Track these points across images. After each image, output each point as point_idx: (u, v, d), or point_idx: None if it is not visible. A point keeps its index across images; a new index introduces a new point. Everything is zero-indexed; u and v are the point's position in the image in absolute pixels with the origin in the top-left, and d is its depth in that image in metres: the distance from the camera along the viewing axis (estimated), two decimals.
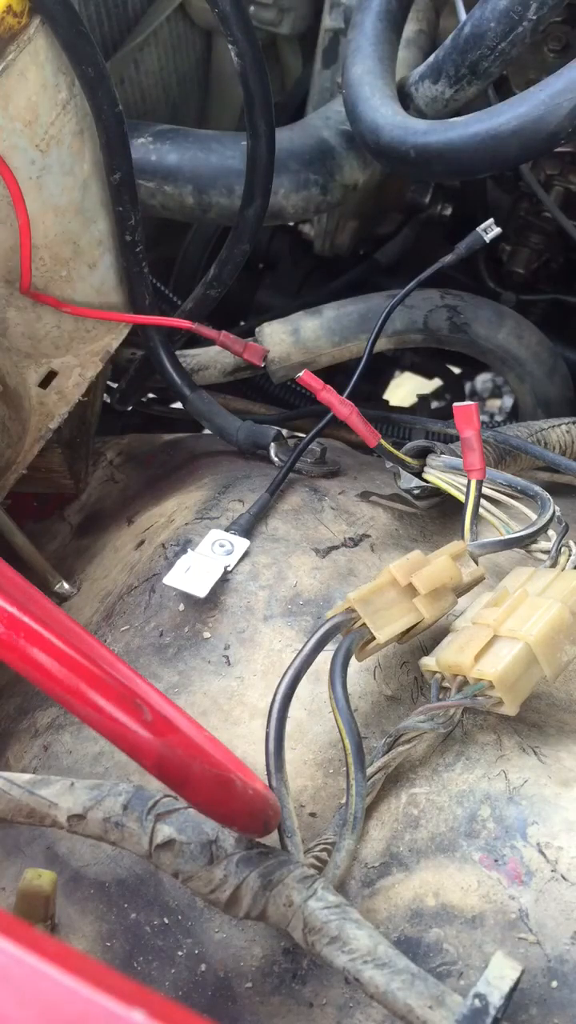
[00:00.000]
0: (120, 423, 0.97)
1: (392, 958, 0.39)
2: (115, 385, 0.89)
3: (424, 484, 0.62)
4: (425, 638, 0.52)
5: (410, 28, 0.86)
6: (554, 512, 0.56)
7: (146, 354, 0.81)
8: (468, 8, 0.71)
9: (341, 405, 0.57)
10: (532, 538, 0.55)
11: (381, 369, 1.24)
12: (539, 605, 0.49)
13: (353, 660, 0.48)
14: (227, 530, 0.61)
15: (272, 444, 0.70)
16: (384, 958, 0.39)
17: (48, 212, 0.64)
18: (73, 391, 0.69)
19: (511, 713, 0.47)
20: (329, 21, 0.93)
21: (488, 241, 0.69)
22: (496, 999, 0.37)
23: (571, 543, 0.56)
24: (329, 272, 1.08)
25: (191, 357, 0.83)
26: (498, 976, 0.37)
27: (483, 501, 0.57)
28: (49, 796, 0.43)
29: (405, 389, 1.55)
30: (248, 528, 0.62)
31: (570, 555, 0.55)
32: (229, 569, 0.59)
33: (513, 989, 0.37)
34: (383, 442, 0.58)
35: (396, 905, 0.44)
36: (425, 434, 0.82)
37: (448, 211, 1.03)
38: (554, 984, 0.41)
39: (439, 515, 0.65)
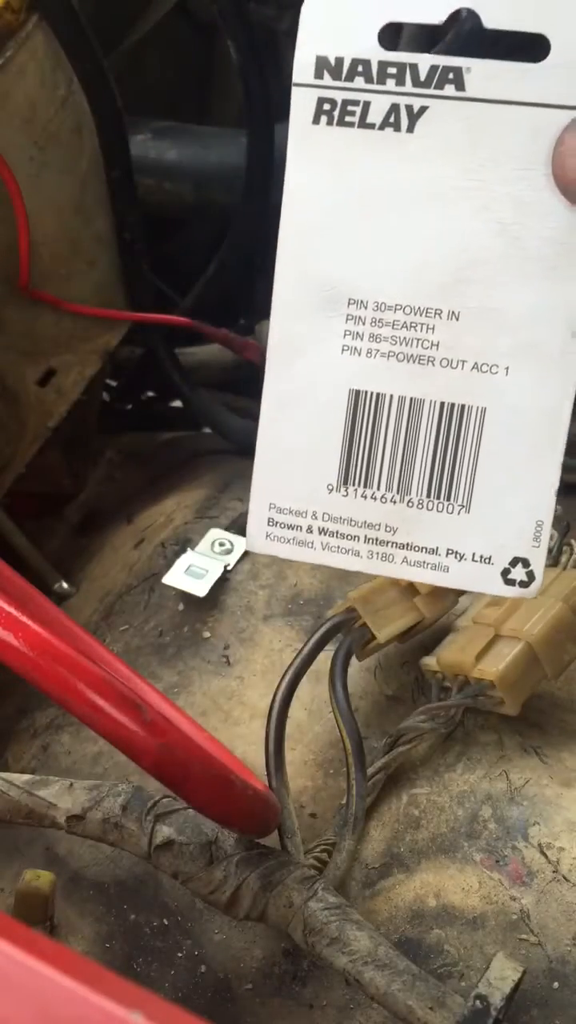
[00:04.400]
0: (119, 421, 0.96)
1: (393, 959, 0.38)
2: (114, 383, 0.88)
3: None
4: (426, 637, 0.52)
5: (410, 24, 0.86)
6: (555, 511, 0.56)
7: (146, 352, 0.81)
8: None
9: None
10: None
11: None
12: (540, 604, 0.48)
13: (353, 660, 0.48)
14: (227, 529, 0.61)
15: None
16: (385, 959, 0.38)
17: (47, 210, 0.64)
18: (72, 389, 0.69)
19: (512, 713, 0.47)
20: None
21: None
22: (497, 1000, 0.36)
23: (572, 542, 0.55)
24: None
25: (191, 355, 0.83)
26: (499, 977, 0.37)
27: None
28: (48, 797, 0.43)
29: None
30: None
31: (571, 554, 0.54)
32: (229, 568, 0.59)
33: (514, 990, 0.37)
34: None
35: (397, 906, 0.44)
36: None
37: None
38: (556, 985, 0.41)
39: None
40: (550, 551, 0.55)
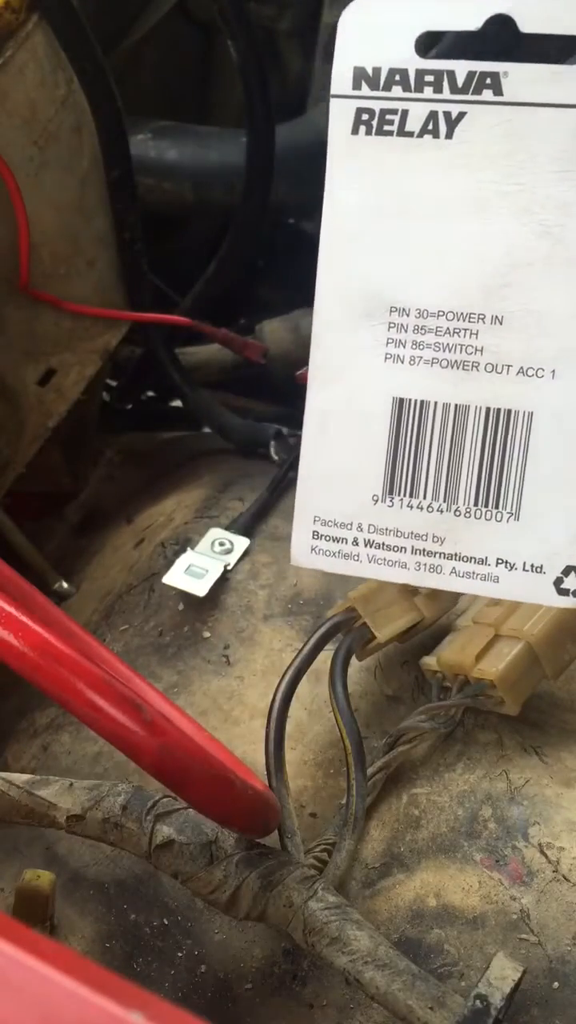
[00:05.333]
0: (119, 421, 0.96)
1: (393, 959, 0.38)
2: (114, 383, 0.88)
3: None
4: (426, 637, 0.52)
5: None
6: None
7: (145, 352, 0.81)
8: None
9: None
10: None
11: None
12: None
13: (353, 660, 0.48)
14: (227, 529, 0.61)
15: (272, 442, 0.70)
16: (385, 959, 0.38)
17: (47, 209, 0.64)
18: (72, 389, 0.69)
19: (513, 713, 0.47)
20: (330, 16, 0.92)
21: None
22: (497, 1000, 0.36)
23: None
24: None
25: (191, 355, 0.83)
26: (499, 977, 0.37)
27: None
28: (48, 796, 0.43)
29: None
30: (248, 527, 0.61)
31: None
32: (229, 568, 0.59)
33: (514, 990, 0.37)
34: None
35: (397, 906, 0.44)
36: None
37: None
38: (555, 985, 0.41)
39: None
40: None
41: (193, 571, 0.58)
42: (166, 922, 0.46)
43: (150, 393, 0.94)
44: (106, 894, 0.48)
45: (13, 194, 0.61)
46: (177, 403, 0.89)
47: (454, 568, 0.37)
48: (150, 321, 0.72)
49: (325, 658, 0.48)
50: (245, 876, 0.41)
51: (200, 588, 0.57)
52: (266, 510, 0.63)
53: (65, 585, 0.68)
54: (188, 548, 0.60)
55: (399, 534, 0.37)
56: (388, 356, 0.36)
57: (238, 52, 0.65)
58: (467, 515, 0.37)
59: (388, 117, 0.36)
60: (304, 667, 0.47)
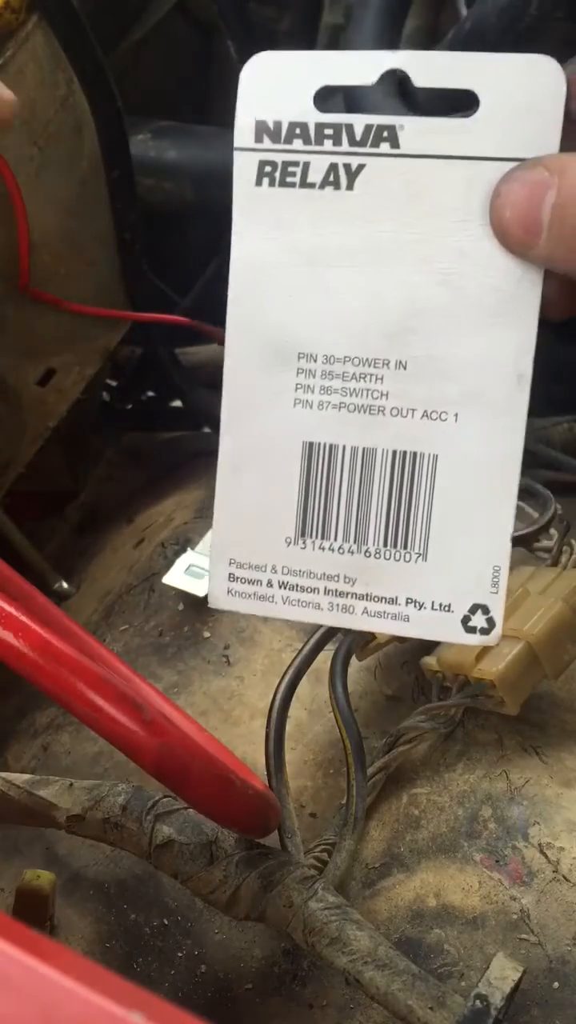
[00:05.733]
0: (119, 421, 0.96)
1: (393, 959, 0.38)
2: (114, 383, 0.88)
3: None
4: None
5: (410, 24, 0.86)
6: (555, 510, 0.56)
7: (145, 352, 0.81)
8: (469, 5, 0.71)
9: None
10: (533, 536, 0.55)
11: None
12: (540, 604, 0.48)
13: (353, 660, 0.48)
14: None
15: None
16: (385, 959, 0.38)
17: (47, 209, 0.64)
18: (72, 389, 0.69)
19: (512, 713, 0.47)
20: (329, 17, 0.92)
21: None
22: (497, 1000, 0.36)
23: (573, 542, 0.55)
24: None
25: (191, 355, 0.83)
26: (499, 977, 0.37)
27: None
28: (48, 796, 0.43)
29: None
30: None
31: (571, 554, 0.54)
32: None
33: (514, 990, 0.37)
34: None
35: (397, 906, 0.44)
36: None
37: None
38: (555, 985, 0.41)
39: None
40: (549, 551, 0.55)
41: (193, 571, 0.58)
42: (166, 922, 0.46)
43: (150, 393, 0.94)
44: (106, 894, 0.48)
45: (13, 194, 0.61)
46: (177, 403, 0.89)
47: (365, 608, 0.38)
48: (150, 321, 0.72)
49: (325, 658, 0.48)
50: (245, 876, 0.41)
51: (200, 588, 0.57)
52: None
53: (65, 585, 0.68)
54: (188, 548, 0.60)
55: (312, 575, 0.38)
56: (297, 401, 0.37)
57: (238, 52, 0.65)
58: (377, 556, 0.38)
59: (290, 169, 0.37)
60: (304, 667, 0.47)
